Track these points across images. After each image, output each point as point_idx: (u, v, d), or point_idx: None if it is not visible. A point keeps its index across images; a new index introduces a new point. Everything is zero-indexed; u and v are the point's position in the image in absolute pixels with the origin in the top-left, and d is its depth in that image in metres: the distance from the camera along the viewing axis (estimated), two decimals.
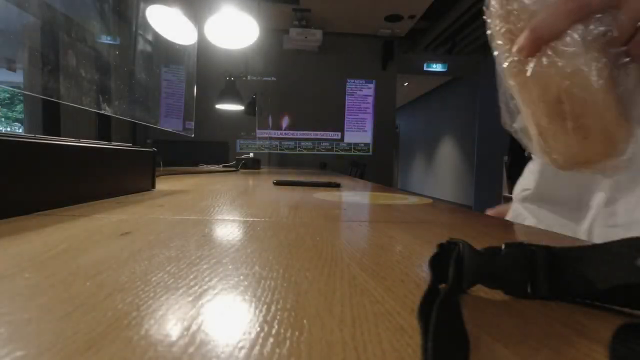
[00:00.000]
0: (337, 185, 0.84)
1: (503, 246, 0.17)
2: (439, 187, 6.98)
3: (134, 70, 1.28)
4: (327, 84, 3.28)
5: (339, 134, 3.37)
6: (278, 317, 0.14)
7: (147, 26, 1.33)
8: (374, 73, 3.47)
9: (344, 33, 3.14)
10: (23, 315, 0.14)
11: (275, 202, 0.54)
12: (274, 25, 2.98)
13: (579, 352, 0.13)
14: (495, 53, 0.30)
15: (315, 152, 3.32)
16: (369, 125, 3.73)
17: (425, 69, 4.79)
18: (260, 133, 3.29)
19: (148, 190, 0.60)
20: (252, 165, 1.83)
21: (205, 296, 0.16)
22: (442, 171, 6.91)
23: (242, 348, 0.12)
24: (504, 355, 0.12)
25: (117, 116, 1.10)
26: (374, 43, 3.41)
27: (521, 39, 0.27)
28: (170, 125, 1.65)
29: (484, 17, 0.30)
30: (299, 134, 3.32)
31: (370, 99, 3.77)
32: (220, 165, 1.80)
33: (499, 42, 0.30)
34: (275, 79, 3.27)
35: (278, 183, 0.86)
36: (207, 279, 0.18)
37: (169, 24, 1.38)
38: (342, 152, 3.37)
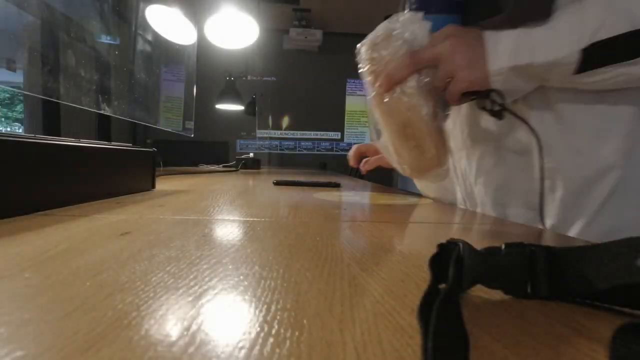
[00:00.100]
0: (337, 185, 0.84)
1: (503, 246, 0.17)
2: None
3: (133, 70, 1.28)
4: (327, 84, 3.28)
5: (339, 134, 3.38)
6: (278, 317, 0.14)
7: (146, 26, 1.33)
8: None
9: (344, 33, 3.14)
10: (23, 315, 0.14)
11: (275, 202, 0.54)
12: (274, 25, 2.98)
13: (579, 352, 0.13)
14: (365, 87, 0.41)
15: (315, 152, 3.32)
16: None
17: None
18: (260, 133, 3.29)
19: (148, 190, 0.60)
20: (252, 165, 1.83)
21: (205, 296, 0.16)
22: None
23: (242, 348, 0.12)
24: (504, 355, 0.12)
25: (116, 116, 1.10)
26: None
27: (380, 79, 0.39)
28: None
29: (357, 60, 0.41)
30: (299, 134, 3.32)
31: None
32: (220, 166, 1.80)
33: (368, 79, 0.41)
34: (275, 79, 3.26)
35: (278, 183, 0.86)
36: (207, 279, 0.18)
37: (168, 24, 1.38)
38: (342, 152, 3.38)
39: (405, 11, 0.41)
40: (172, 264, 0.21)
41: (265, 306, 0.15)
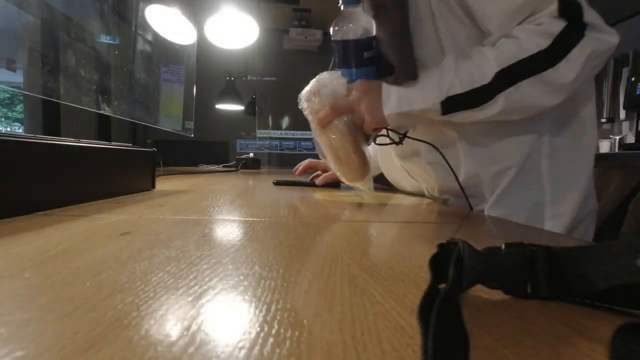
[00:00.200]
0: (337, 186, 0.84)
1: (503, 246, 0.17)
2: None
3: (133, 70, 1.28)
4: None
5: None
6: (278, 317, 0.14)
7: (146, 26, 1.33)
8: None
9: None
10: (23, 315, 0.14)
11: (275, 202, 0.54)
12: (274, 25, 2.97)
13: (579, 352, 0.13)
14: (310, 122, 0.57)
15: (315, 153, 3.33)
16: None
17: None
18: (260, 133, 3.29)
19: (148, 190, 0.60)
20: (252, 165, 1.83)
21: (205, 296, 0.16)
22: None
23: (242, 348, 0.12)
24: (504, 355, 0.12)
25: (116, 116, 1.10)
26: None
27: (318, 118, 0.55)
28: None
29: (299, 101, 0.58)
30: (299, 134, 3.32)
31: None
32: (220, 165, 1.80)
33: (309, 117, 0.57)
34: (275, 79, 3.26)
35: (278, 183, 0.86)
36: (207, 279, 0.18)
37: (168, 24, 1.38)
38: None
39: (330, 68, 0.58)
40: (172, 264, 0.21)
41: (265, 306, 0.15)
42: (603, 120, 2.39)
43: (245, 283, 0.18)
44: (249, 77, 3.14)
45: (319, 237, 0.30)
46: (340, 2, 0.55)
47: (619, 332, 0.11)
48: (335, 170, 0.59)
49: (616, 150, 2.17)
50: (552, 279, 0.17)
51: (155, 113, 1.49)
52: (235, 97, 2.64)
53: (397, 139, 0.59)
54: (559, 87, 0.44)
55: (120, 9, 1.19)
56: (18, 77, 0.81)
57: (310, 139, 3.50)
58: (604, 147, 2.22)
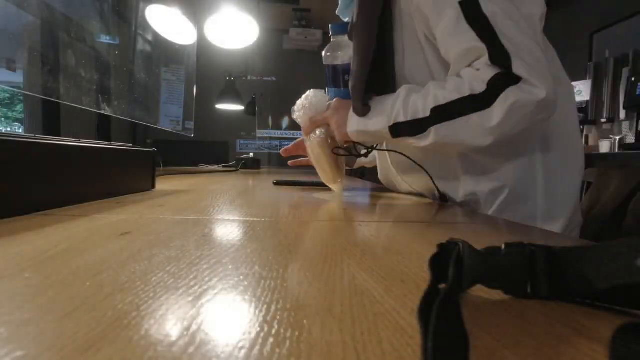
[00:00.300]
0: None
1: (503, 246, 0.17)
2: None
3: (133, 70, 1.28)
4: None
5: None
6: (278, 317, 0.14)
7: (146, 26, 1.33)
8: None
9: None
10: (23, 315, 0.14)
11: (275, 202, 0.54)
12: (274, 25, 2.97)
13: (579, 352, 0.13)
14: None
15: None
16: None
17: None
18: (260, 133, 3.29)
19: (148, 190, 0.60)
20: (252, 165, 1.83)
21: (205, 296, 0.16)
22: None
23: (242, 348, 0.12)
24: (504, 355, 0.12)
25: (116, 116, 1.10)
26: None
27: (304, 131, 0.67)
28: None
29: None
30: (299, 134, 3.33)
31: None
32: (220, 166, 1.80)
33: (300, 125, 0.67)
34: (275, 79, 3.26)
35: (278, 183, 0.86)
36: (207, 279, 0.18)
37: (168, 24, 1.38)
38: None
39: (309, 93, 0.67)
40: (172, 264, 0.21)
41: (265, 306, 0.15)
42: (603, 120, 2.39)
43: (245, 283, 0.18)
44: (249, 77, 3.15)
45: (319, 237, 0.30)
46: (330, 32, 0.66)
47: (619, 332, 0.11)
48: (319, 174, 0.71)
49: (616, 150, 2.17)
50: (552, 279, 0.17)
51: (155, 113, 1.49)
52: (235, 97, 2.64)
53: (362, 151, 0.67)
54: (486, 131, 0.46)
55: (121, 9, 1.19)
56: (18, 77, 0.81)
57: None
58: (604, 147, 2.22)
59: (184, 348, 0.12)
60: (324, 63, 0.66)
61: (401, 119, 0.51)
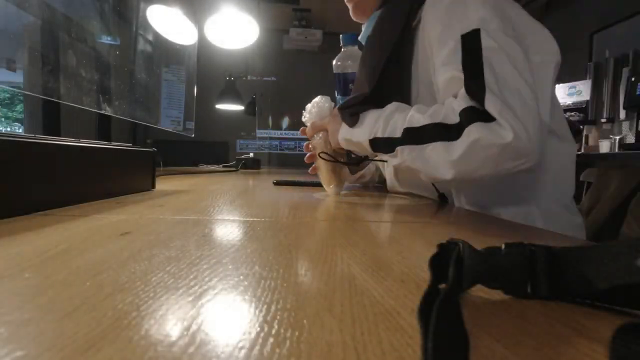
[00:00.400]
0: None
1: (503, 246, 0.17)
2: None
3: (134, 70, 1.28)
4: (327, 84, 3.28)
5: None
6: (278, 317, 0.14)
7: (147, 26, 1.33)
8: None
9: (344, 33, 3.15)
10: (23, 315, 0.14)
11: (275, 202, 0.54)
12: (274, 25, 2.97)
13: (579, 352, 0.13)
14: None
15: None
16: None
17: None
18: (260, 133, 3.29)
19: (148, 190, 0.60)
20: (252, 165, 1.83)
21: (205, 296, 0.16)
22: None
23: (242, 348, 0.12)
24: (504, 355, 0.12)
25: (117, 116, 1.10)
26: None
27: (307, 134, 0.70)
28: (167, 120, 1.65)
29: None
30: (299, 134, 3.33)
31: None
32: (220, 165, 1.80)
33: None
34: (275, 79, 3.26)
35: (278, 183, 0.86)
36: (207, 279, 0.18)
37: (169, 24, 1.38)
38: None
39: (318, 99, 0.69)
40: (172, 264, 0.21)
41: (265, 306, 0.15)
42: (603, 120, 2.39)
43: (245, 283, 0.18)
44: (249, 77, 3.14)
45: (319, 237, 0.30)
46: (341, 42, 0.68)
47: (619, 332, 0.11)
48: (320, 176, 0.73)
49: (616, 150, 2.17)
50: (552, 279, 0.17)
51: (156, 113, 1.49)
52: (235, 97, 2.64)
53: (343, 159, 0.70)
54: (447, 163, 0.44)
55: (121, 9, 1.19)
56: (18, 77, 0.81)
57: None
58: (604, 147, 2.22)
59: (184, 348, 0.12)
60: (334, 72, 0.68)
61: (379, 134, 0.52)
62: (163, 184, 0.74)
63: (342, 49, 0.68)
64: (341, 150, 0.66)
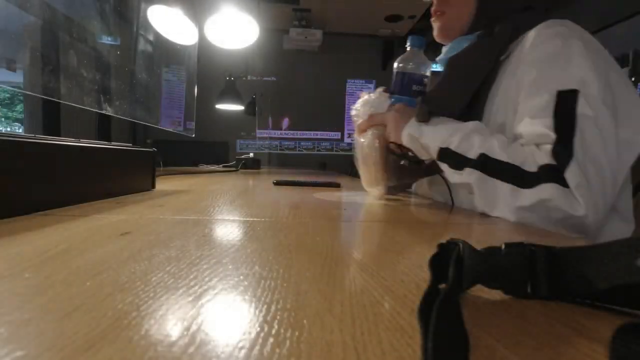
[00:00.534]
0: (337, 185, 0.84)
1: (503, 246, 0.17)
2: None
3: (134, 70, 1.28)
4: (327, 84, 3.27)
5: (339, 134, 3.37)
6: (278, 317, 0.14)
7: (147, 26, 1.33)
8: (374, 73, 3.48)
9: (344, 33, 3.13)
10: (23, 315, 0.14)
11: (275, 202, 0.54)
12: (274, 25, 2.97)
13: (579, 352, 0.13)
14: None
15: (315, 152, 3.32)
16: None
17: None
18: (260, 133, 3.29)
19: (148, 190, 0.60)
20: (252, 165, 1.83)
21: (205, 296, 0.16)
22: None
23: (242, 348, 0.12)
24: (504, 355, 0.12)
25: (117, 116, 1.10)
26: (374, 43, 3.41)
27: (357, 124, 0.65)
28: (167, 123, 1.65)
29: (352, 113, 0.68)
30: (299, 134, 3.32)
31: None
32: (220, 166, 1.80)
33: (356, 122, 0.66)
34: (275, 79, 3.26)
35: (278, 183, 0.86)
36: (207, 279, 0.18)
37: (169, 24, 1.38)
38: (342, 152, 3.38)
39: (379, 90, 0.66)
40: (172, 264, 0.21)
41: (265, 306, 0.15)
42: None
43: (245, 283, 0.18)
44: (249, 77, 3.15)
45: (319, 237, 0.30)
46: (408, 43, 0.67)
47: (619, 332, 0.11)
48: (359, 170, 0.68)
49: None
50: (552, 279, 0.17)
51: (156, 113, 1.49)
52: (235, 97, 2.64)
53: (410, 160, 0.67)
54: (509, 206, 0.45)
55: (121, 9, 1.19)
56: (18, 77, 0.81)
57: (309, 139, 3.51)
58: None
59: (184, 348, 0.12)
60: (395, 70, 0.67)
61: (453, 146, 0.51)
62: (163, 184, 0.74)
63: (408, 49, 0.67)
64: (397, 149, 0.63)
